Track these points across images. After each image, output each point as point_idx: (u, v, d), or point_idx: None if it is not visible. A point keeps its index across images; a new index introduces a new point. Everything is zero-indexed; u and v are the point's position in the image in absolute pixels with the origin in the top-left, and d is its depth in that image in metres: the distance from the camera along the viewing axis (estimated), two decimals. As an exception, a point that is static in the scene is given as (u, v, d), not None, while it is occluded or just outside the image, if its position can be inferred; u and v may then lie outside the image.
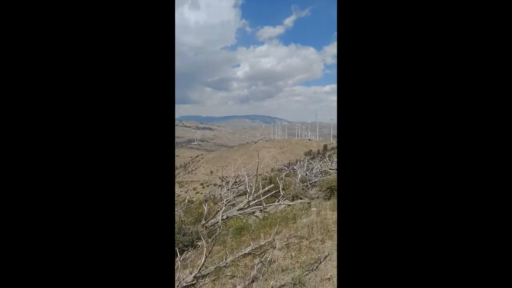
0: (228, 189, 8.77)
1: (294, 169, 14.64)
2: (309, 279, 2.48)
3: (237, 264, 3.05)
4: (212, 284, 2.76)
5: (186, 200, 7.23)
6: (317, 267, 2.66)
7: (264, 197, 6.39)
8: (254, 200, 5.94)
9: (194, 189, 40.93)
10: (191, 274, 2.86)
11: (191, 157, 79.60)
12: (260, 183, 7.22)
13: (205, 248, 3.00)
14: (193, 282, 2.79)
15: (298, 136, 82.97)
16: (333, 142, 56.23)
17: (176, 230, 4.24)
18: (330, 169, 14.49)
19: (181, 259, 3.26)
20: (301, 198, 6.51)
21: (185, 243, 4.21)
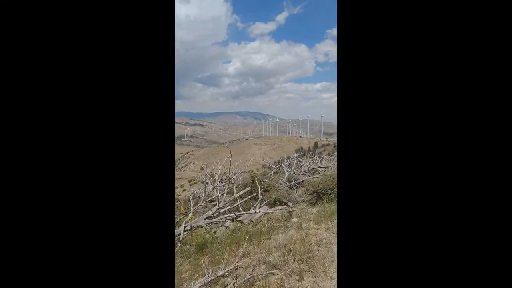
0: (214, 188, 8.15)
1: (282, 167, 13.81)
2: None
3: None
4: None
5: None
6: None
7: (243, 200, 5.49)
8: (227, 206, 5.01)
9: (181, 186, 39.66)
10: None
11: (181, 153, 77.87)
12: (234, 187, 6.25)
13: None
14: None
15: (289, 133, 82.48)
16: (323, 139, 56.28)
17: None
18: (319, 167, 13.75)
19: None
20: (283, 203, 5.64)
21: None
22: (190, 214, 4.83)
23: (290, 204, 5.62)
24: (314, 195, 5.08)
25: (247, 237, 3.31)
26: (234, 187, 7.16)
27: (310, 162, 14.29)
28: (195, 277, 2.60)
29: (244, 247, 2.95)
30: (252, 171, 24.59)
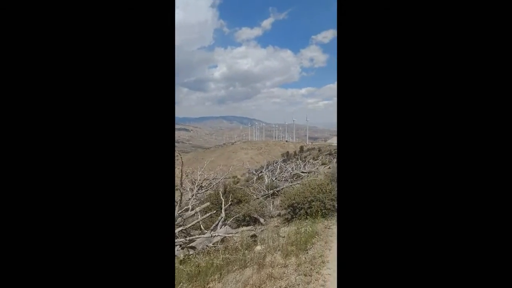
0: (193, 195, 7.20)
1: (262, 172, 12.89)
2: None
3: None
4: None
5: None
6: None
7: (205, 216, 4.50)
8: (182, 225, 4.00)
9: (162, 194, 37.63)
10: None
11: (164, 159, 74.83)
12: (186, 202, 5.26)
13: None
14: None
15: (275, 137, 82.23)
16: (308, 143, 56.40)
17: None
18: (302, 172, 12.97)
19: None
20: (253, 220, 4.71)
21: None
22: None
23: (262, 220, 4.70)
24: (290, 209, 4.19)
25: (191, 275, 2.34)
26: (179, 202, 6.15)
27: (293, 167, 13.50)
28: None
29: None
30: (236, 176, 23.52)
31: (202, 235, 3.64)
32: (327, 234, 3.16)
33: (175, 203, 4.56)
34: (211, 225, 4.49)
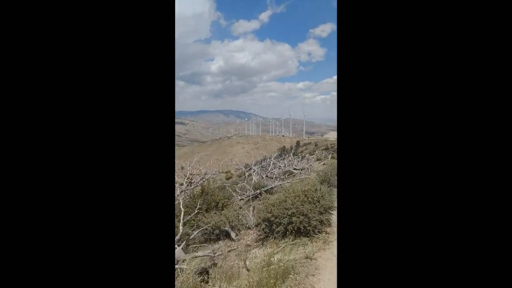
0: (182, 191, 6.37)
1: (251, 169, 11.97)
2: None
3: None
4: None
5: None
6: None
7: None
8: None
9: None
10: None
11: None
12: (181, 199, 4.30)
13: None
14: None
15: (272, 132, 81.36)
16: (305, 138, 55.71)
17: None
18: (295, 169, 12.07)
19: None
20: (224, 234, 3.80)
21: None
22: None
23: (233, 235, 3.79)
24: (265, 224, 3.28)
25: None
26: (181, 199, 5.22)
27: (285, 164, 12.60)
28: None
29: None
30: (229, 171, 22.60)
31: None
32: (308, 269, 2.25)
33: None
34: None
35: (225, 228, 3.91)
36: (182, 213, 3.50)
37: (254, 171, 11.23)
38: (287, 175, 11.42)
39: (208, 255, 2.65)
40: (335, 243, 2.66)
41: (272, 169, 11.92)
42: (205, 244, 3.71)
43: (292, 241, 2.93)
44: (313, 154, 23.75)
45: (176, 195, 5.80)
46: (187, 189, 7.27)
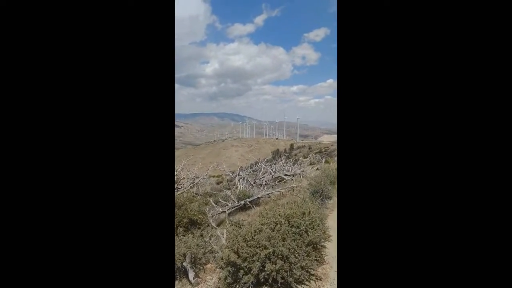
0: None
1: (237, 175, 10.94)
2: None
3: None
4: None
5: None
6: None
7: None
8: None
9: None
10: None
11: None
12: None
13: None
14: None
15: (266, 135, 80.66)
16: (299, 141, 55.14)
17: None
18: (286, 174, 11.12)
19: None
20: (181, 273, 2.80)
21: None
22: None
23: (191, 276, 2.80)
24: (230, 269, 2.28)
25: None
26: None
27: (275, 169, 11.61)
28: None
29: None
30: (221, 175, 21.49)
31: None
32: None
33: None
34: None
35: (184, 264, 2.90)
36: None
37: (241, 177, 10.25)
38: (278, 181, 10.49)
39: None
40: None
41: (263, 175, 10.95)
42: None
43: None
44: (307, 157, 22.85)
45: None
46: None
